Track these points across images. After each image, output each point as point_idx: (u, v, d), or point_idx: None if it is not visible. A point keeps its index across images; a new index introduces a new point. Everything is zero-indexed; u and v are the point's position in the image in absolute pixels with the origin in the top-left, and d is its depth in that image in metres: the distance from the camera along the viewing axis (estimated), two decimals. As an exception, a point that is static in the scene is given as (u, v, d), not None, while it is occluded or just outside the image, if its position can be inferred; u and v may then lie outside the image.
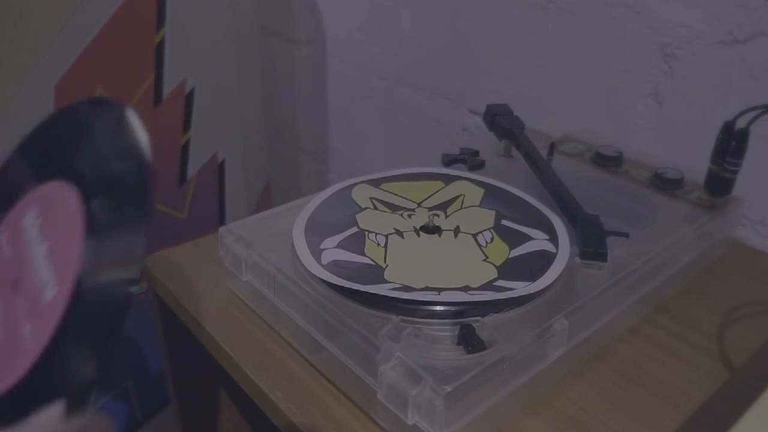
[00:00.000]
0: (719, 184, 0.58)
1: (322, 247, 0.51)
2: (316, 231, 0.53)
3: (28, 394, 0.27)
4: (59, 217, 0.32)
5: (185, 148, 1.03)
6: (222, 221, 1.12)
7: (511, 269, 0.49)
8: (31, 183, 0.34)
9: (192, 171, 1.04)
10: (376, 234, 0.53)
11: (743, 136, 0.55)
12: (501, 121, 0.64)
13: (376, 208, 0.57)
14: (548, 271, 0.47)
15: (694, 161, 0.72)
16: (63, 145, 0.35)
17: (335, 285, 0.46)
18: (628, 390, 0.47)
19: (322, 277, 0.46)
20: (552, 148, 0.65)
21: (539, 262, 0.49)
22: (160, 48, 0.94)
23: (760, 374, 0.48)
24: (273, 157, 1.50)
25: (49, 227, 0.32)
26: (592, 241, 0.49)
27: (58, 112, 0.37)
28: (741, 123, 0.55)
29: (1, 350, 0.30)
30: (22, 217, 0.34)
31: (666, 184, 0.61)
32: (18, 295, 0.31)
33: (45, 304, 0.29)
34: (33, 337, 0.28)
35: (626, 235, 0.51)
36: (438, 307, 0.44)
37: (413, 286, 0.46)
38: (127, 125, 0.31)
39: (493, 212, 0.56)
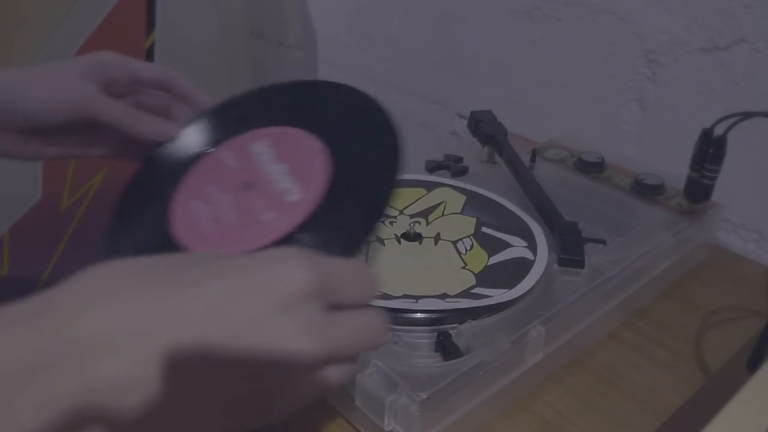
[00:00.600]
0: (698, 190, 0.58)
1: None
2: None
3: None
4: (298, 150, 0.42)
5: (176, 153, 1.03)
6: (213, 225, 1.12)
7: (489, 276, 0.49)
8: (260, 123, 0.45)
9: (183, 175, 1.04)
10: (358, 241, 0.53)
11: (721, 143, 0.56)
12: (484, 127, 0.64)
13: (359, 215, 0.57)
14: (526, 278, 0.48)
15: (678, 166, 0.72)
16: (307, 103, 0.46)
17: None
18: (605, 395, 0.47)
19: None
20: (534, 154, 0.66)
21: (517, 270, 0.49)
22: (150, 53, 0.94)
23: (735, 379, 0.49)
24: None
25: (286, 155, 0.42)
26: (569, 248, 0.50)
27: (317, 81, 0.48)
28: (719, 130, 0.56)
29: (240, 226, 0.39)
30: (250, 144, 0.44)
31: (646, 190, 0.62)
32: (251, 192, 0.40)
33: (290, 202, 0.38)
34: (278, 222, 0.38)
35: (604, 242, 0.52)
36: (415, 315, 0.44)
37: (391, 293, 0.47)
38: (381, 113, 0.41)
39: (474, 219, 0.57)
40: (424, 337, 0.44)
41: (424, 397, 0.38)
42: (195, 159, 0.45)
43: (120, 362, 0.23)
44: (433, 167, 0.65)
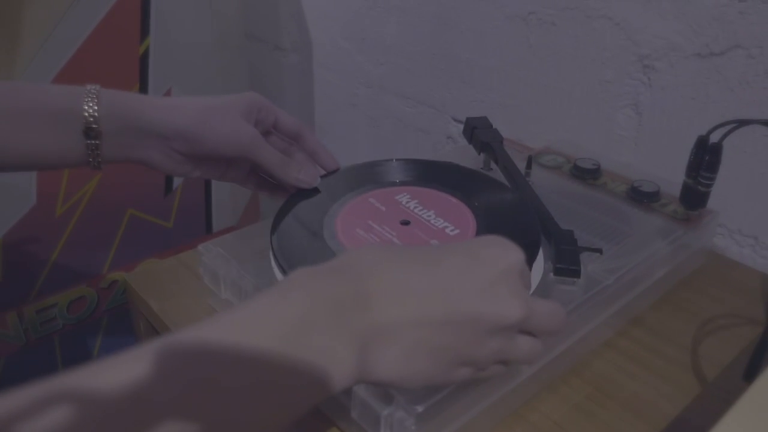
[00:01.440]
0: (694, 197, 0.58)
1: (300, 264, 0.51)
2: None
3: None
4: (438, 203, 0.55)
5: (171, 158, 1.03)
6: (209, 229, 1.12)
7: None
8: (395, 183, 0.59)
9: (178, 180, 1.04)
10: (354, 250, 0.54)
11: (716, 150, 0.56)
12: (480, 134, 0.64)
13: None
14: (522, 288, 0.48)
15: (673, 171, 0.72)
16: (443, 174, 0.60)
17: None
18: (601, 404, 0.47)
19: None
20: (530, 161, 0.66)
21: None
22: (144, 58, 0.94)
23: (730, 387, 0.49)
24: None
25: (429, 205, 0.55)
26: (565, 258, 0.49)
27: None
28: (715, 137, 0.56)
29: None
30: (395, 196, 0.56)
31: (642, 197, 0.62)
32: (411, 227, 0.52)
33: (451, 235, 0.51)
34: None
35: (600, 251, 0.52)
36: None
37: None
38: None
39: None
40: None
41: (421, 410, 0.38)
42: (345, 198, 0.56)
43: (396, 309, 0.33)
44: (428, 174, 0.65)
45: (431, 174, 0.60)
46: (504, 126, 0.69)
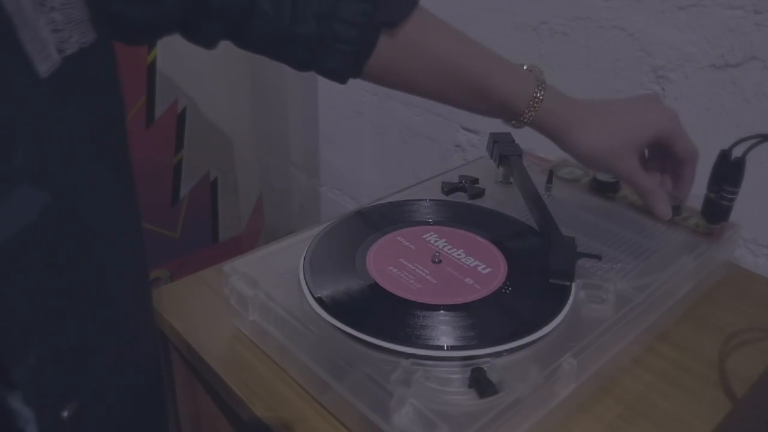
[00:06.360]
0: (717, 211, 0.58)
1: (329, 285, 0.51)
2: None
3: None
4: (466, 242, 0.56)
5: (177, 168, 1.02)
6: (215, 238, 1.11)
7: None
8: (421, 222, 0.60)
9: (185, 190, 1.04)
10: (382, 270, 0.53)
11: (739, 165, 0.56)
12: (499, 148, 0.64)
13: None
14: (554, 308, 0.48)
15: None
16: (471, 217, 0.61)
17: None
18: (634, 424, 0.47)
19: (330, 321, 0.46)
20: (551, 175, 0.66)
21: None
22: (151, 69, 0.93)
23: (761, 404, 0.49)
24: (264, 170, 1.50)
25: (457, 244, 0.56)
26: (558, 260, 0.50)
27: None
28: (737, 151, 0.56)
29: (446, 286, 0.50)
30: (422, 234, 0.57)
31: (664, 210, 0.62)
32: (442, 266, 0.53)
33: (484, 274, 0.52)
34: (479, 285, 0.50)
35: (598, 258, 0.53)
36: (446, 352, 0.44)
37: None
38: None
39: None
40: (455, 372, 0.43)
41: (463, 437, 0.38)
42: (372, 237, 0.56)
43: None
44: (449, 189, 0.65)
45: (457, 214, 0.60)
46: (514, 135, 0.69)
